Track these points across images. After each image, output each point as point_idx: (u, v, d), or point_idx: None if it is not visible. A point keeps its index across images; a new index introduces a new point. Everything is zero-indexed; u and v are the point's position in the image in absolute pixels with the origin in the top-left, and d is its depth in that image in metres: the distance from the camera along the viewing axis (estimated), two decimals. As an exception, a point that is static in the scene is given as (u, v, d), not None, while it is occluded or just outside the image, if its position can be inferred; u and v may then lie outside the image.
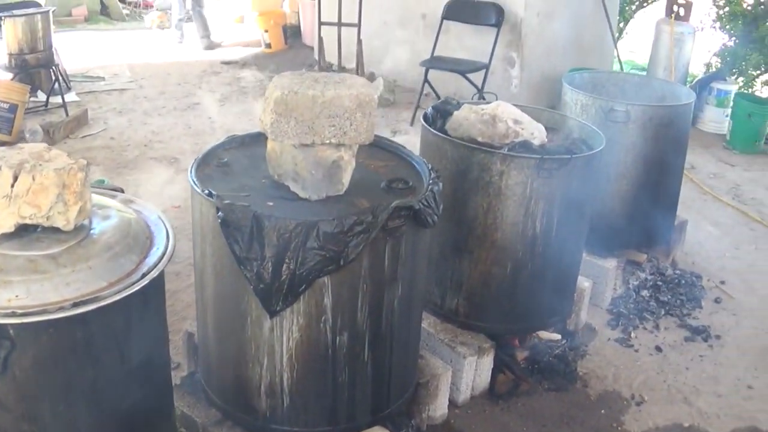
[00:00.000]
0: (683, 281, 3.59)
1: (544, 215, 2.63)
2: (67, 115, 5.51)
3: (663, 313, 3.39)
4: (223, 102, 6.52)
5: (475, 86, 5.61)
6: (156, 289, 1.71)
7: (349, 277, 1.99)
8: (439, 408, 2.61)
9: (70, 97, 6.11)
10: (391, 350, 2.18)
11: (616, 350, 3.16)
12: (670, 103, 3.54)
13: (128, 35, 9.19)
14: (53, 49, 5.40)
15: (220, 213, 1.96)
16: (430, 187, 2.11)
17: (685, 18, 5.85)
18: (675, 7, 5.88)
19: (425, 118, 2.86)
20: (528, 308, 2.79)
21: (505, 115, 2.77)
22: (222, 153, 2.35)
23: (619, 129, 3.27)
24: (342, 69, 7.07)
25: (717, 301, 3.52)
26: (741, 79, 6.17)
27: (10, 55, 5.15)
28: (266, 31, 8.24)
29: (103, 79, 6.97)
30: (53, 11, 5.56)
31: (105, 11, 10.39)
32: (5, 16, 5.04)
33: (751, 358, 3.14)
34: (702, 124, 5.95)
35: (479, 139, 2.78)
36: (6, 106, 4.91)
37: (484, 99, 5.67)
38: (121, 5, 10.88)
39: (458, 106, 2.87)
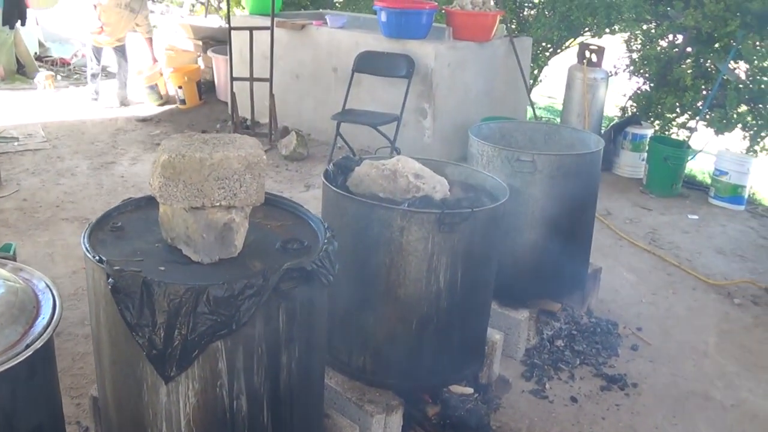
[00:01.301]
0: (599, 329, 3.78)
1: (448, 270, 2.78)
2: (-27, 180, 5.51)
3: (578, 362, 3.56)
4: (134, 161, 6.58)
5: (388, 138, 5.81)
6: (43, 358, 1.79)
7: (243, 341, 2.07)
8: (347, 469, 2.70)
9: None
10: (292, 412, 2.26)
11: (531, 402, 3.30)
12: (579, 150, 3.78)
13: (45, 94, 9.19)
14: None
15: (110, 279, 2.04)
16: (324, 247, 2.24)
17: (598, 63, 6.20)
18: (587, 53, 6.23)
19: (326, 174, 3.00)
20: (436, 363, 2.91)
21: (406, 170, 2.94)
22: (117, 217, 2.44)
23: (526, 179, 3.47)
24: (255, 124, 7.25)
25: (634, 348, 3.71)
26: (658, 122, 6.53)
27: None
28: (180, 87, 8.35)
29: (17, 139, 6.97)
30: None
31: (21, 70, 10.39)
32: None
33: (669, 406, 3.30)
34: (618, 168, 6.28)
35: (381, 194, 2.94)
36: None
37: (398, 151, 5.89)
38: (38, 64, 10.90)
39: (359, 162, 3.04)
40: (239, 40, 7.06)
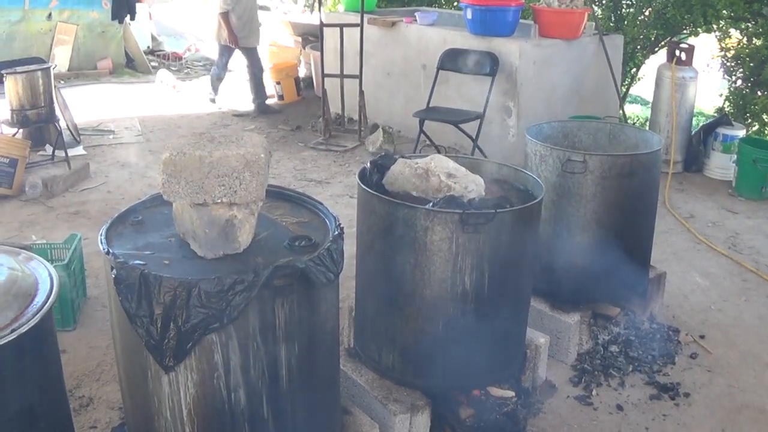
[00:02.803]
0: (658, 335, 3.60)
1: (474, 271, 2.71)
2: (69, 168, 5.83)
3: (631, 369, 3.40)
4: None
5: (469, 136, 5.74)
6: (33, 342, 1.86)
7: (238, 335, 2.09)
8: (368, 466, 2.69)
9: (77, 150, 6.45)
10: (294, 407, 2.27)
11: (574, 408, 3.18)
12: (642, 151, 3.60)
13: (151, 88, 9.60)
14: (54, 105, 5.73)
15: (113, 271, 2.12)
16: (327, 245, 2.23)
17: (687, 62, 5.88)
18: (677, 52, 5.92)
19: (363, 172, 2.99)
20: (465, 365, 2.84)
21: (438, 169, 2.89)
22: (141, 211, 2.52)
23: (578, 180, 3.35)
24: (349, 120, 7.32)
25: (693, 356, 3.51)
26: (755, 123, 6.13)
27: (12, 110, 5.50)
28: (278, 83, 8.54)
29: (113, 132, 7.32)
30: (54, 68, 5.90)
31: (131, 64, 10.87)
32: (7, 73, 5.40)
33: (719, 418, 3.11)
34: (708, 170, 5.95)
35: (414, 193, 2.90)
36: (6, 160, 5.23)
37: (480, 150, 5.80)
38: (149, 57, 11.40)
39: (395, 160, 3.01)
40: (332, 37, 7.13)
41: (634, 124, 7.43)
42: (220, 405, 2.17)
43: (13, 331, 1.76)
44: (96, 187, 5.75)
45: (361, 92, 6.94)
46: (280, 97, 8.69)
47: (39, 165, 5.84)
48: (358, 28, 6.79)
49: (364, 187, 2.85)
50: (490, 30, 5.97)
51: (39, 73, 5.49)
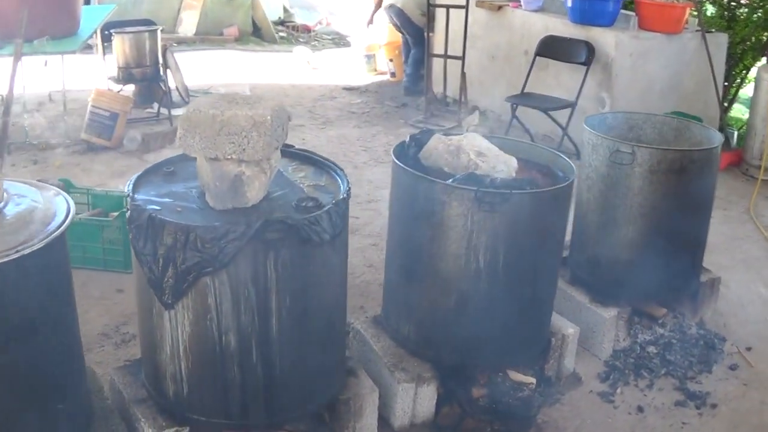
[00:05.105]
0: (702, 342, 3.54)
1: (488, 250, 2.80)
2: (171, 125, 6.26)
3: (663, 372, 3.37)
4: (323, 126, 7.05)
5: (559, 125, 5.73)
6: (38, 266, 2.12)
7: (230, 282, 2.30)
8: (366, 428, 2.83)
9: (182, 111, 6.90)
10: (283, 358, 2.45)
11: (593, 404, 3.21)
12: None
13: (273, 57, 10.00)
14: (160, 65, 6.16)
15: (128, 211, 2.38)
16: (327, 208, 2.39)
17: (788, 65, 5.62)
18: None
19: (399, 146, 3.13)
20: (476, 343, 2.94)
21: (469, 147, 2.99)
22: (176, 163, 2.76)
23: (625, 171, 3.35)
24: (453, 101, 7.43)
25: (732, 367, 3.44)
26: None
27: (119, 68, 5.97)
28: (391, 60, 8.74)
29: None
30: (162, 29, 6.33)
31: (258, 33, 11.34)
32: (116, 32, 5.86)
33: (740, 432, 3.08)
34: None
35: (445, 169, 3.01)
36: (107, 114, 5.70)
37: (569, 138, 5.78)
38: (278, 28, 11.84)
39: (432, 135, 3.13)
40: (442, 17, 7.23)
41: (736, 126, 7.13)
42: (212, 345, 2.39)
43: (17, 251, 2.03)
44: (186, 151, 6.14)
45: (463, 74, 7.03)
46: (392, 74, 8.90)
47: (143, 121, 6.27)
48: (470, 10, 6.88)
49: (394, 158, 2.99)
50: (588, 19, 5.95)
51: (146, 34, 5.92)
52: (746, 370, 3.44)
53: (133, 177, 2.59)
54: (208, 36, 10.68)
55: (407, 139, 3.16)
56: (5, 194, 2.26)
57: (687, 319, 3.64)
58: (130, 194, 2.43)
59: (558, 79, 6.22)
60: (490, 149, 3.02)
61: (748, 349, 3.58)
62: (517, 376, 3.18)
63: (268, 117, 2.32)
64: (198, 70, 8.77)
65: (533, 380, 3.18)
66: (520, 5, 6.82)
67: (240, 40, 10.91)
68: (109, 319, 3.62)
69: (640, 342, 3.52)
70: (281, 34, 11.64)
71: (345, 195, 2.50)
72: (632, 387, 3.31)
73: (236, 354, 2.40)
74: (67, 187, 4.22)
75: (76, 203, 4.23)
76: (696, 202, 3.44)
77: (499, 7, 6.97)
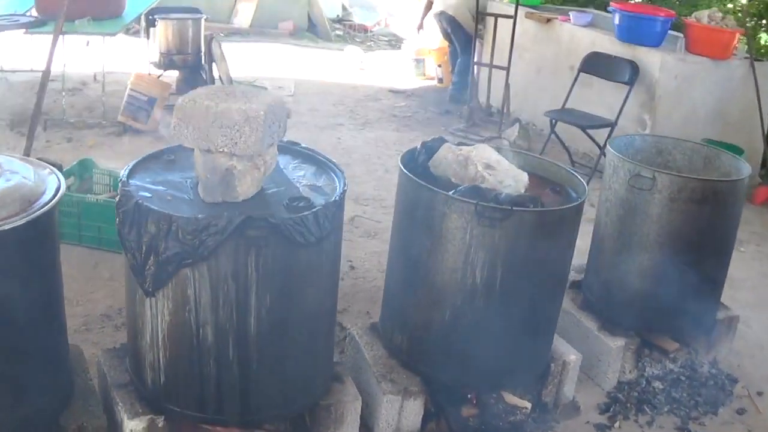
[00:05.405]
0: (711, 382, 3.41)
1: (486, 266, 2.72)
2: (210, 115, 6.30)
3: (666, 410, 3.25)
4: (362, 127, 7.03)
5: (597, 144, 5.61)
6: (18, 242, 2.13)
7: (210, 275, 2.28)
8: (347, 437, 2.79)
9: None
10: (261, 358, 2.42)
11: (588, 434, 3.12)
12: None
13: (325, 55, 10.02)
14: (202, 53, 6.21)
15: (117, 198, 2.38)
16: (315, 209, 2.35)
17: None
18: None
19: (409, 152, 3.08)
20: (468, 362, 2.87)
21: (477, 159, 2.92)
22: (178, 152, 2.75)
23: (644, 197, 3.24)
24: (493, 110, 7.34)
25: (739, 412, 3.30)
26: None
27: (160, 53, 6.04)
28: (439, 65, 8.68)
29: (266, 89, 7.76)
30: (205, 18, 6.38)
31: (313, 29, 11.37)
32: (160, 18, 5.93)
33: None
34: None
35: (453, 179, 2.96)
36: (145, 98, 5.77)
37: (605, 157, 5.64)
38: (335, 26, 11.86)
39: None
40: (491, 26, 7.16)
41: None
42: (189, 337, 2.37)
43: (-3, 226, 2.04)
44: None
45: (507, 85, 6.93)
46: (440, 80, 8.83)
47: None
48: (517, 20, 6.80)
49: (400, 165, 2.94)
50: (635, 38, 5.84)
51: (189, 21, 5.98)
52: (753, 416, 3.29)
53: (132, 162, 2.60)
54: (264, 29, 10.75)
55: (418, 146, 3.11)
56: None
57: (700, 356, 3.52)
58: (124, 179, 2.43)
59: (601, 97, 6.09)
60: (500, 162, 2.95)
61: (759, 393, 3.44)
62: (512, 398, 3.10)
63: (261, 112, 2.30)
64: (247, 61, 8.82)
65: (528, 405, 3.10)
66: (570, 19, 6.70)
67: (295, 34, 10.94)
68: (113, 301, 3.63)
69: (647, 376, 3.40)
70: (337, 32, 11.65)
71: (337, 198, 2.46)
72: (632, 422, 3.20)
73: (213, 348, 2.38)
74: (89, 167, 4.27)
75: (98, 184, 4.34)
76: (716, 235, 3.32)
77: (548, 20, 6.87)
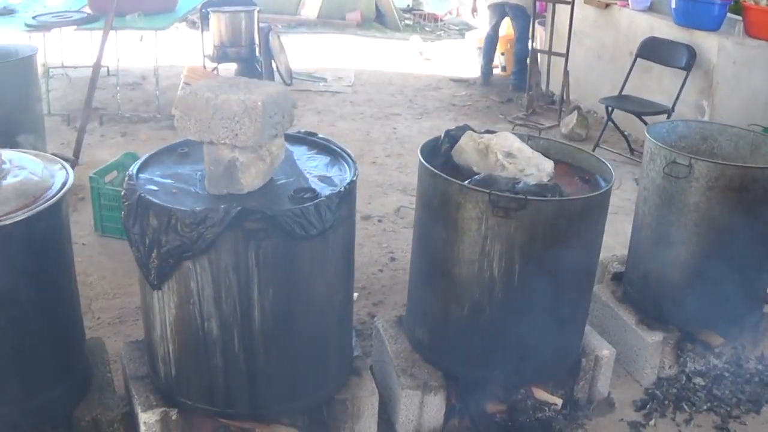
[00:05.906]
0: (757, 378, 3.24)
1: (503, 258, 2.64)
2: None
3: (706, 407, 3.10)
4: (420, 116, 6.96)
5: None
6: (23, 237, 2.18)
7: (211, 268, 2.28)
8: (365, 431, 2.76)
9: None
10: (268, 351, 2.41)
11: (620, 432, 3.00)
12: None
13: (391, 45, 9.97)
14: (256, 45, 6.26)
15: (123, 190, 2.40)
16: (317, 201, 2.32)
17: None
18: None
19: (433, 141, 3.01)
20: (489, 356, 2.80)
21: (498, 147, 2.84)
22: (192, 145, 2.75)
23: (681, 185, 3.09)
24: (554, 98, 7.17)
25: (785, 410, 3.13)
26: None
27: (214, 46, 6.11)
28: (503, 53, 8.54)
29: (325, 80, 7.79)
30: (258, 10, 6.41)
31: (381, 19, 11.32)
32: (213, 11, 6.00)
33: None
34: None
35: (474, 168, 2.89)
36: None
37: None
38: (405, 15, 11.78)
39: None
40: (549, 13, 7.00)
41: None
42: (195, 330, 2.38)
43: (-2, 221, 2.09)
44: (283, 131, 6.22)
45: (566, 72, 6.77)
46: (503, 68, 8.68)
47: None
48: (578, 6, 6.62)
49: (420, 157, 2.88)
50: (692, 22, 5.60)
51: (242, 14, 6.03)
52: (800, 415, 3.11)
53: (144, 156, 2.62)
54: (331, 20, 10.77)
55: (442, 135, 3.04)
56: (8, 164, 2.34)
57: (746, 351, 3.34)
58: (132, 173, 2.46)
59: (660, 84, 5.87)
60: (521, 151, 2.86)
61: (810, 391, 3.24)
62: (542, 394, 3.01)
63: (259, 103, 2.27)
64: (311, 53, 8.88)
65: (559, 401, 3.01)
66: (628, 4, 6.48)
67: (362, 25, 10.93)
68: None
69: (688, 371, 3.25)
70: (407, 21, 11.58)
71: (341, 189, 2.41)
72: (668, 420, 3.06)
73: (219, 341, 2.38)
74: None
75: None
76: (757, 225, 3.13)
77: (607, 5, 6.66)
